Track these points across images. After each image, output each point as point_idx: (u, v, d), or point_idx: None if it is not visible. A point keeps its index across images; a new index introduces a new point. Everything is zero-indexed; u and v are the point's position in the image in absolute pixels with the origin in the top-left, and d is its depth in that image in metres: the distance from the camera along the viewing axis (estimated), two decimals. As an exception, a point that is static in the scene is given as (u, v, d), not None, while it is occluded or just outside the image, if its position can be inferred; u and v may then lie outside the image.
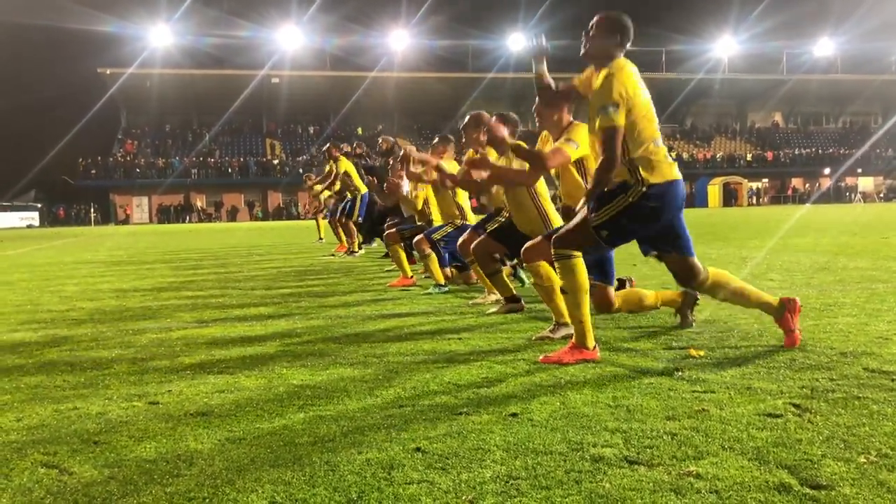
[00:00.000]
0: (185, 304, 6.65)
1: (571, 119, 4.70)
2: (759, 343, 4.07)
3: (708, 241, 13.05)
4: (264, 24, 58.54)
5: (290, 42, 60.47)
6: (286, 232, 27.73)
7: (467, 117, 5.98)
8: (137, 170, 58.82)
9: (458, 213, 7.07)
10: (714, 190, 58.17)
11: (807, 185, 65.62)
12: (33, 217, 59.69)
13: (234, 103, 58.01)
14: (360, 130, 68.57)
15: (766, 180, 66.84)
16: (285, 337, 4.79)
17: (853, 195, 62.45)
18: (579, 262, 3.84)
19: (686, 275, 3.87)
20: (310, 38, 60.83)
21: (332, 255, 12.67)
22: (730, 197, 58.94)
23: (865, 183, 67.17)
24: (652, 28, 63.67)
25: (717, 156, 66.67)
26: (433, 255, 7.16)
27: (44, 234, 33.30)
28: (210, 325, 5.38)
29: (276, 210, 61.05)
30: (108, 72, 58.03)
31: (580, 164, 4.67)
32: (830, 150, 69.35)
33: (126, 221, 57.44)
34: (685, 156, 64.12)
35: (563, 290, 3.96)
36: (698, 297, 4.56)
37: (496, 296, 6.04)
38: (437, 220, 7.50)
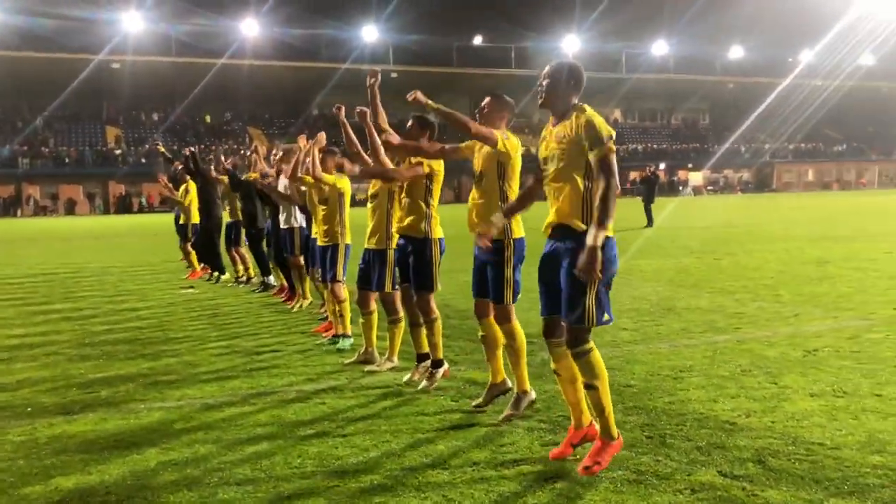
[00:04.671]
0: (44, 378, 6.28)
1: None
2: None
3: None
4: (103, 6, 54.98)
5: (131, 25, 57.20)
6: (136, 235, 26.41)
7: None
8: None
9: (339, 230, 6.91)
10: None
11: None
12: None
13: (67, 88, 54.23)
14: (207, 118, 66.11)
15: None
16: (168, 437, 4.68)
17: (684, 188, 67.13)
18: (597, 352, 3.87)
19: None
20: (154, 22, 57.77)
21: (190, 287, 11.81)
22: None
23: (695, 177, 72.26)
24: (503, 23, 65.34)
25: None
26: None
27: None
28: (77, 416, 5.14)
29: (119, 201, 57.81)
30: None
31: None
32: (664, 146, 74.30)
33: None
34: (533, 150, 66.18)
35: (587, 387, 3.85)
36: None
37: (392, 363, 6.11)
38: (320, 237, 7.03)
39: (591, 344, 3.84)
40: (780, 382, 5.37)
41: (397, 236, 5.72)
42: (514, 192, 4.67)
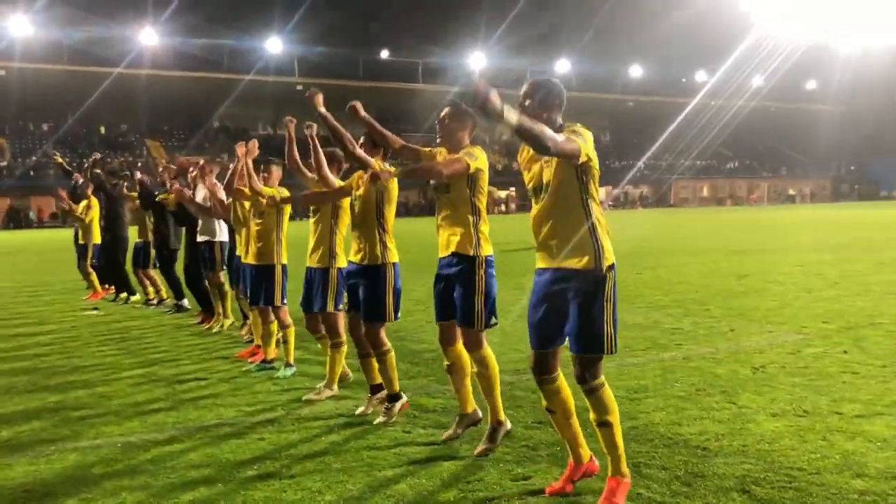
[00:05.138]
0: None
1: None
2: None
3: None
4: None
5: (18, 31, 54.22)
6: (30, 252, 24.72)
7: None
8: None
9: (277, 249, 6.37)
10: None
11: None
12: None
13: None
14: (102, 130, 63.26)
15: (512, 189, 71.39)
16: (87, 484, 4.09)
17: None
18: (608, 386, 3.58)
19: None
20: (44, 27, 54.95)
21: (94, 309, 10.95)
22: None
23: (599, 193, 74.04)
24: (409, 38, 65.48)
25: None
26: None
27: None
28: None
29: (7, 216, 54.44)
30: None
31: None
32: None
33: None
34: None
35: (601, 425, 3.55)
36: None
37: (332, 390, 5.67)
38: (252, 256, 6.46)
39: (603, 377, 3.56)
40: (738, 402, 5.23)
41: (342, 255, 5.32)
42: (484, 205, 4.37)
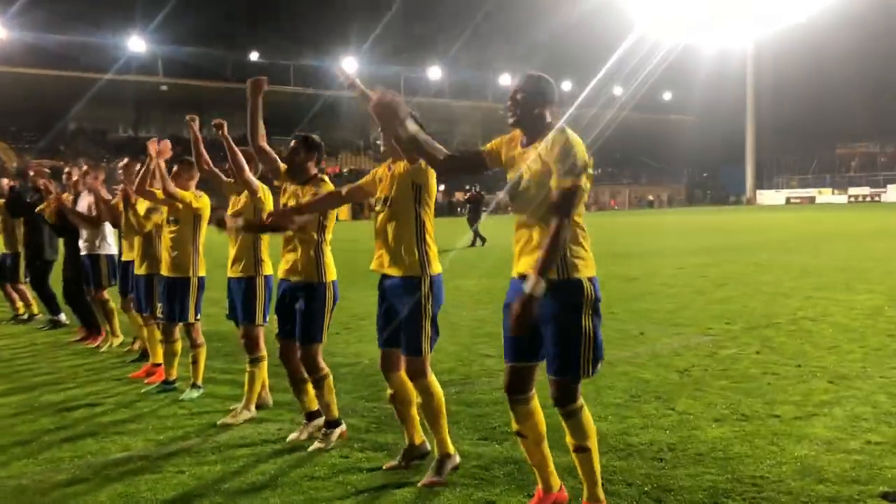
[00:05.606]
0: None
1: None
2: None
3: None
4: None
5: None
6: None
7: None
8: None
9: (192, 260, 5.76)
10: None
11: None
12: None
13: None
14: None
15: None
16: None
17: (463, 209, 69.48)
18: (587, 408, 3.34)
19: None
20: None
21: None
22: (357, 212, 61.39)
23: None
24: (281, 41, 64.01)
25: (344, 171, 69.20)
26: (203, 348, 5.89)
27: None
28: None
29: None
30: None
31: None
32: (442, 168, 76.55)
33: None
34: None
35: (579, 450, 3.31)
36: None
37: (250, 412, 5.17)
38: (166, 267, 5.80)
39: (582, 400, 3.30)
40: (676, 408, 5.17)
41: (268, 262, 4.88)
42: (431, 219, 4.02)
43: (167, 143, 5.86)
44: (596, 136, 74.67)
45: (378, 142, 4.25)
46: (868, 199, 69.25)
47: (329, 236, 4.60)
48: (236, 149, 4.85)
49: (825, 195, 72.06)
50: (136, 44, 58.63)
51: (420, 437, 4.23)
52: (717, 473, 3.98)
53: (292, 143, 4.62)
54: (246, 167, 4.88)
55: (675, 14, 63.27)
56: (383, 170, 4.11)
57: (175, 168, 5.81)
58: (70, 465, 4.39)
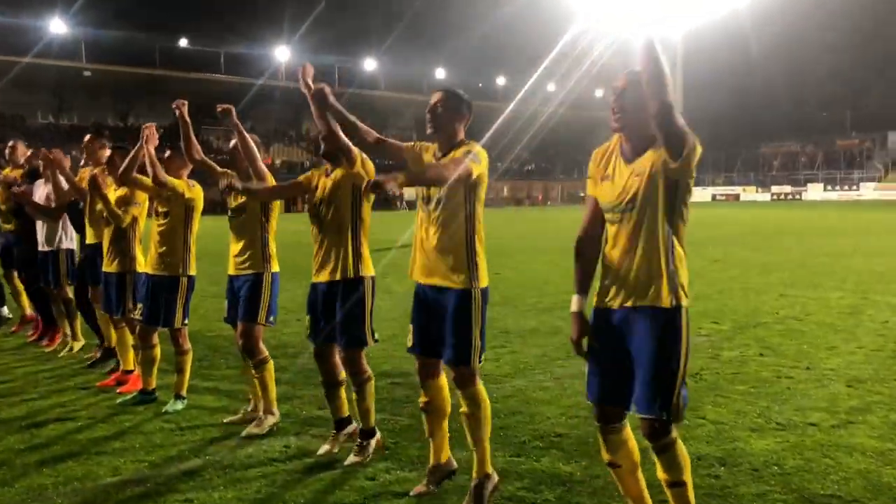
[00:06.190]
0: None
1: None
2: None
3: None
4: None
5: None
6: None
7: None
8: None
9: (183, 257, 5.20)
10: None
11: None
12: None
13: None
14: None
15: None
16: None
17: (401, 203, 68.98)
18: (680, 440, 2.99)
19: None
20: None
21: None
22: (289, 205, 60.32)
23: (408, 191, 74.59)
24: (211, 27, 62.18)
25: (277, 162, 67.77)
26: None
27: None
28: None
29: None
30: None
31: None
32: (376, 161, 75.74)
33: None
34: (277, 163, 64.44)
35: (674, 485, 2.94)
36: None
37: (274, 416, 4.73)
38: (150, 264, 5.23)
39: (676, 432, 2.95)
40: (707, 416, 4.90)
41: (276, 258, 4.49)
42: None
43: (153, 128, 5.26)
44: (528, 131, 75.44)
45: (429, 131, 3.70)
46: (790, 197, 71.75)
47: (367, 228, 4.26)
48: (247, 137, 4.50)
49: (749, 193, 74.28)
50: (58, 26, 55.96)
51: (447, 453, 3.83)
52: (782, 492, 3.70)
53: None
54: (258, 157, 4.53)
55: (609, 10, 64.05)
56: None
57: (167, 154, 5.25)
58: (55, 492, 3.82)
